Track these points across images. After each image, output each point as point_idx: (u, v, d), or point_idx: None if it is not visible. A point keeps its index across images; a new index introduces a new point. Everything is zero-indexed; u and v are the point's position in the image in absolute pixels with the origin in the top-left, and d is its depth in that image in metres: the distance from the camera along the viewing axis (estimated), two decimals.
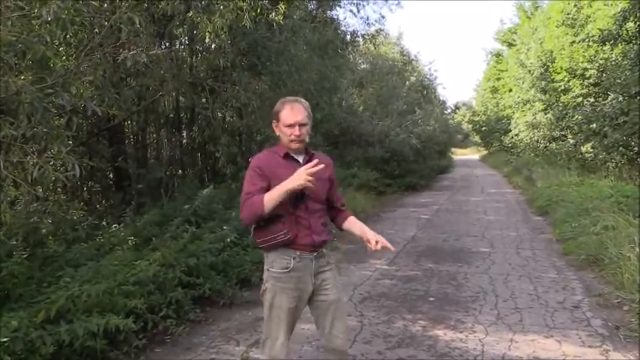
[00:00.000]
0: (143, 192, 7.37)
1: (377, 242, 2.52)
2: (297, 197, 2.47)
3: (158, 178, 7.66)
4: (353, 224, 2.73)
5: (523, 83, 19.93)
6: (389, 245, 2.54)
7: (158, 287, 4.30)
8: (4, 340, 3.01)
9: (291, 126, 2.49)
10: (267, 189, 2.44)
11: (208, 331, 4.34)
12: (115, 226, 5.80)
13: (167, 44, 7.98)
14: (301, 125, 2.49)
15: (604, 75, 13.05)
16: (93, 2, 4.15)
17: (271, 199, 2.37)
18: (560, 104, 15.92)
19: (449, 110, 39.59)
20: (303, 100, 2.59)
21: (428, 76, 28.63)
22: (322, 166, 2.36)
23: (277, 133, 2.58)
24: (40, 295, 3.66)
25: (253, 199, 2.42)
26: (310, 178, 2.31)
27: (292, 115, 2.49)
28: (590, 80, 14.10)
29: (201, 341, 4.10)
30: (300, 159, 2.57)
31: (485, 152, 40.97)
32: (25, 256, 4.23)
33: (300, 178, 2.32)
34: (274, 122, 2.58)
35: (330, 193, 2.69)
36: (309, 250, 2.53)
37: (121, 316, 3.61)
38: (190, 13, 6.06)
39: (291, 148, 2.53)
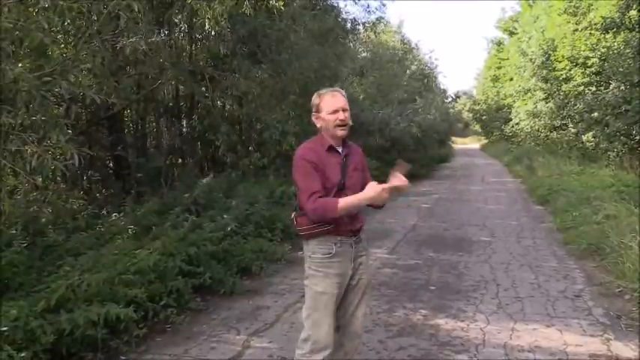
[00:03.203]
0: (143, 181, 7.36)
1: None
2: (340, 188, 2.54)
3: (158, 167, 7.65)
4: None
5: (524, 72, 19.83)
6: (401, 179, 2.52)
7: (158, 276, 4.29)
8: (5, 329, 3.01)
9: (335, 111, 2.56)
10: (322, 180, 2.52)
11: (209, 320, 4.33)
12: (115, 215, 5.79)
13: (166, 32, 7.93)
14: (345, 110, 2.58)
15: (606, 63, 12.96)
16: None
17: (346, 206, 2.45)
18: (562, 93, 15.85)
19: (449, 99, 39.56)
20: (341, 90, 2.68)
21: (428, 65, 28.57)
22: (405, 183, 2.49)
23: (318, 125, 2.64)
24: (40, 284, 3.65)
25: (328, 202, 2.46)
26: (387, 196, 2.45)
27: (335, 102, 2.58)
28: (592, 69, 14.04)
29: (202, 330, 4.10)
30: (340, 150, 2.64)
31: (486, 141, 40.89)
32: (25, 245, 4.23)
33: (380, 195, 2.43)
34: (314, 114, 2.65)
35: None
36: (349, 235, 2.61)
37: (122, 305, 3.60)
38: (189, 0, 6.00)
39: (336, 135, 2.58)
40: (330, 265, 2.58)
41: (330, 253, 2.57)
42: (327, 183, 2.53)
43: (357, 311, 2.72)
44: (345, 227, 2.58)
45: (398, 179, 2.50)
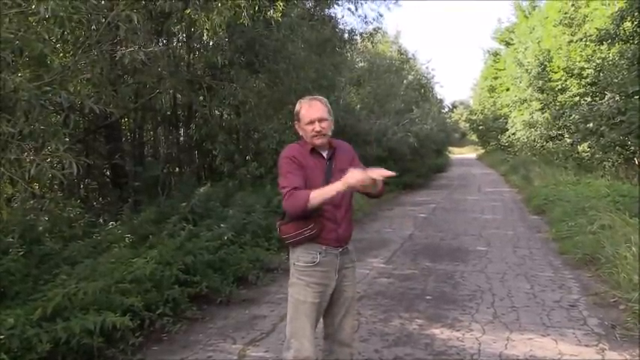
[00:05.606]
0: (140, 189, 7.36)
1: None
2: None
3: (155, 175, 7.65)
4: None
5: (520, 82, 19.95)
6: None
7: (155, 285, 4.30)
8: (1, 337, 3.01)
9: (311, 122, 2.55)
10: (304, 179, 2.49)
11: (205, 329, 4.34)
12: (112, 224, 5.79)
13: (164, 41, 7.98)
14: (321, 120, 2.55)
15: (601, 74, 13.07)
16: None
17: (319, 196, 2.37)
18: (557, 103, 15.96)
19: (446, 109, 39.59)
20: (321, 98, 2.67)
21: (425, 75, 28.60)
22: (390, 173, 2.34)
23: (300, 133, 2.65)
24: (36, 292, 3.65)
25: (299, 193, 2.41)
26: (365, 183, 2.31)
27: (311, 112, 2.57)
28: (587, 79, 14.14)
29: (198, 339, 4.10)
30: (325, 154, 2.62)
31: (483, 151, 40.98)
32: (22, 253, 4.23)
33: (353, 178, 2.31)
34: (296, 123, 2.66)
35: None
36: (334, 244, 2.58)
37: (118, 313, 3.60)
38: (188, 11, 6.05)
39: (315, 144, 2.58)
40: (312, 273, 2.56)
41: (314, 262, 2.55)
42: (310, 185, 2.48)
43: (344, 322, 2.71)
44: (329, 235, 2.55)
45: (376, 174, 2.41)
